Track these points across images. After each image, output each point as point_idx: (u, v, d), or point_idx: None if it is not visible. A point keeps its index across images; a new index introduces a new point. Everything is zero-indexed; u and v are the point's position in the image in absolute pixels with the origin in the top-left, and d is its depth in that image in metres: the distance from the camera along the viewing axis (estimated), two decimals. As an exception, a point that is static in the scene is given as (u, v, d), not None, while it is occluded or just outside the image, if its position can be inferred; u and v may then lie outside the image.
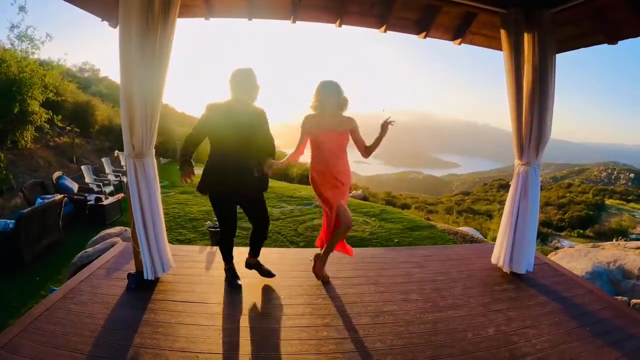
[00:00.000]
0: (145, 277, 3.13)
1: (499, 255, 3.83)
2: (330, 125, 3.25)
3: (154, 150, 3.16)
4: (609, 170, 64.70)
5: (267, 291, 3.27)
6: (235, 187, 3.05)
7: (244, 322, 2.77)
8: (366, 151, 3.34)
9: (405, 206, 21.22)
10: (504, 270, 3.79)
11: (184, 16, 3.70)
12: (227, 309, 2.95)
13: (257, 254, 3.44)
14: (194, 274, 3.53)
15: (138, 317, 2.74)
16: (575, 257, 5.43)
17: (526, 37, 3.46)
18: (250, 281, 3.38)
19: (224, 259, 3.35)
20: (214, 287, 3.28)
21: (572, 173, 68.61)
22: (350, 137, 3.36)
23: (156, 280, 3.26)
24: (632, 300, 3.87)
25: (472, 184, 77.87)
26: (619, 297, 3.92)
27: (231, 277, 3.31)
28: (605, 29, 3.60)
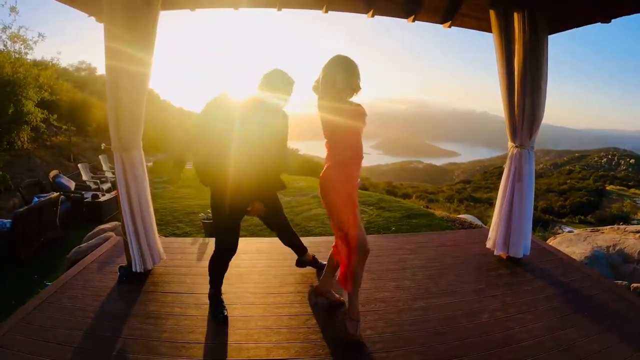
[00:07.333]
0: (133, 270, 3.12)
1: (494, 240, 3.77)
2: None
3: (141, 142, 3.12)
4: (610, 156, 64.59)
5: (257, 280, 3.23)
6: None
7: (233, 311, 2.73)
8: None
9: (406, 196, 21.07)
10: (500, 255, 3.74)
11: (167, 8, 3.62)
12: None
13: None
14: (185, 265, 3.49)
15: (128, 308, 2.72)
16: (574, 242, 5.33)
17: (516, 17, 3.35)
18: (239, 270, 3.34)
19: (214, 282, 2.81)
20: (204, 277, 3.22)
21: (573, 159, 68.47)
22: None
23: (147, 272, 3.25)
24: (632, 285, 3.75)
25: (473, 172, 77.79)
26: (619, 282, 3.79)
27: (217, 305, 2.74)
28: (599, 6, 3.43)
